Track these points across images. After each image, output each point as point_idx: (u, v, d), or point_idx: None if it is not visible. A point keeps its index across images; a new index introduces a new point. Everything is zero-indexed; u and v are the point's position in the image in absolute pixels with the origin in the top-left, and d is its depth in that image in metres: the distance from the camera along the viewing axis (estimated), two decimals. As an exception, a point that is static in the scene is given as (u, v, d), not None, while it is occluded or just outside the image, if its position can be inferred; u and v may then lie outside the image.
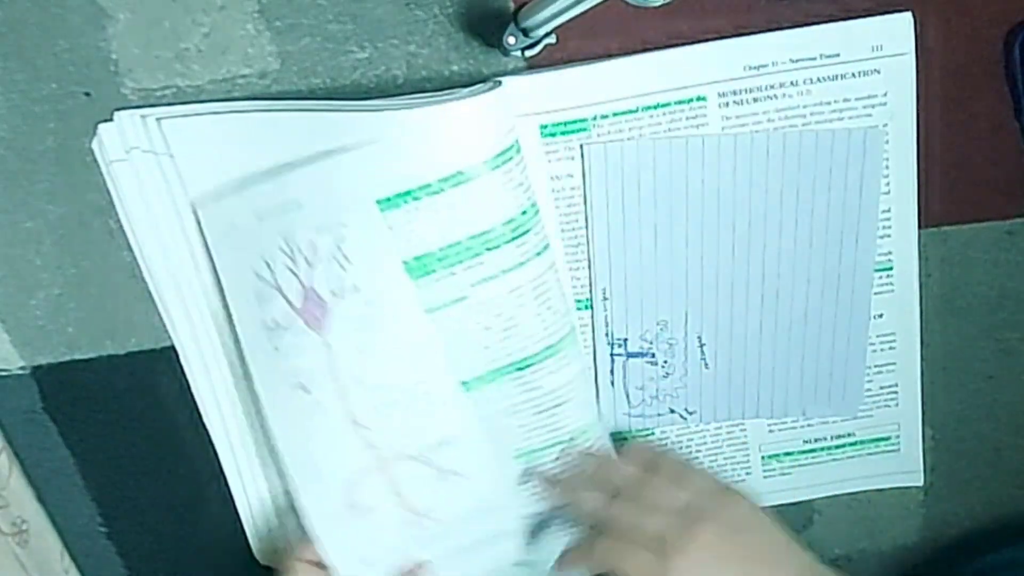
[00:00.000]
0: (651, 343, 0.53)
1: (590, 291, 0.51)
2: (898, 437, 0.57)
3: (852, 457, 0.58)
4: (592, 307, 0.52)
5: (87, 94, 0.48)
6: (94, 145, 0.49)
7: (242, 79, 0.48)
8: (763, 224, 0.50)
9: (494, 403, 0.50)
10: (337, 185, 0.45)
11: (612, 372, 0.53)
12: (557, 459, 0.52)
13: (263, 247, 0.47)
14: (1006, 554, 0.60)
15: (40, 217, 0.51)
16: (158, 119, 0.47)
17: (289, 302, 0.48)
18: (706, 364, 0.53)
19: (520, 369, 0.49)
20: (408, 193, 0.45)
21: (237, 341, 0.51)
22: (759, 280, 0.51)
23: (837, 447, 0.57)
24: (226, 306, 0.50)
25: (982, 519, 0.61)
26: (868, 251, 0.51)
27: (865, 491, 0.59)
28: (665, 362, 0.53)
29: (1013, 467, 0.60)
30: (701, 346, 0.53)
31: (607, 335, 0.52)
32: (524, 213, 0.47)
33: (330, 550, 0.52)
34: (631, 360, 0.53)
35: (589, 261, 0.50)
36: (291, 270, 0.47)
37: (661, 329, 0.52)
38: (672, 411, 0.55)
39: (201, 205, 0.48)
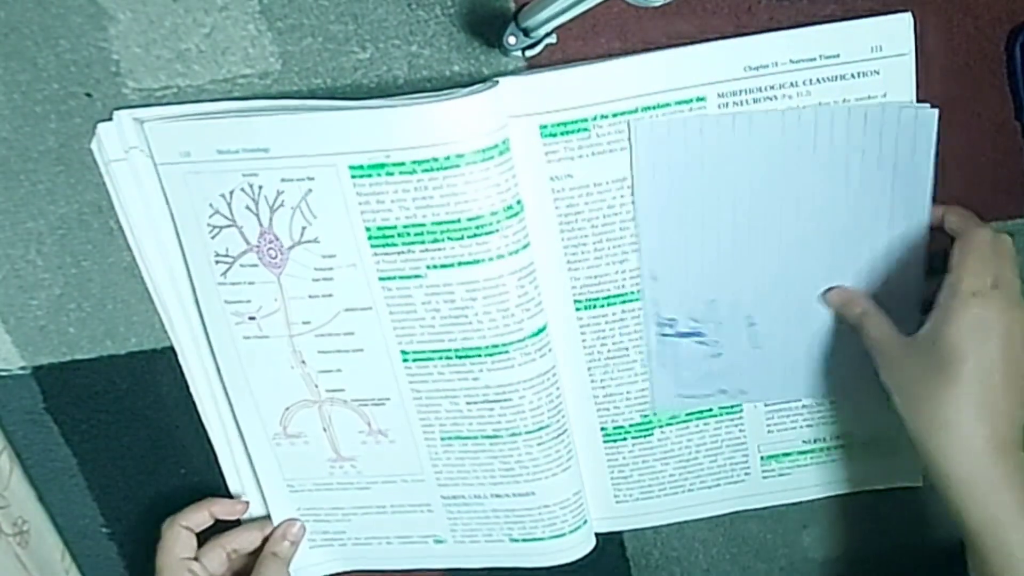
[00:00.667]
0: (700, 322, 0.52)
1: (639, 271, 0.51)
2: (898, 437, 0.57)
3: (852, 457, 0.57)
4: (641, 289, 0.52)
5: (88, 94, 0.48)
6: (93, 145, 0.49)
7: (243, 79, 0.48)
8: (813, 203, 0.49)
9: (430, 381, 0.52)
10: (309, 140, 0.46)
11: (662, 353, 0.53)
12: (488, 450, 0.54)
13: (221, 181, 0.48)
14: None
15: (41, 217, 0.51)
16: (142, 122, 0.47)
17: (244, 237, 0.49)
18: (757, 343, 0.53)
19: (460, 358, 0.51)
20: (382, 166, 0.46)
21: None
22: (810, 259, 0.51)
23: (836, 447, 0.57)
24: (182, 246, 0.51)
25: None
26: (919, 231, 0.50)
27: (864, 491, 0.59)
28: (716, 341, 0.53)
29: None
30: (751, 325, 0.52)
31: (656, 315, 0.52)
32: (494, 214, 0.47)
33: (260, 472, 0.56)
34: (681, 340, 0.53)
35: (637, 241, 0.50)
36: (250, 209, 0.48)
37: (711, 308, 0.52)
38: (723, 391, 0.55)
39: (151, 125, 0.48)
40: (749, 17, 0.47)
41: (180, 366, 0.54)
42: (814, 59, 0.47)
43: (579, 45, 0.47)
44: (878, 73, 0.47)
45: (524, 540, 0.57)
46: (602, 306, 0.52)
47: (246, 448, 0.56)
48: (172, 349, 0.53)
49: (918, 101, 0.48)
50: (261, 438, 0.55)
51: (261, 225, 0.49)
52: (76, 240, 0.52)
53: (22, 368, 0.55)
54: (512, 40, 0.45)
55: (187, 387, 0.54)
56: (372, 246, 0.48)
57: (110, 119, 0.48)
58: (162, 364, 0.54)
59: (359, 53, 0.48)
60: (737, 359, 0.54)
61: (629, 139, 0.47)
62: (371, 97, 0.47)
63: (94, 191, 0.50)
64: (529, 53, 0.46)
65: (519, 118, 0.47)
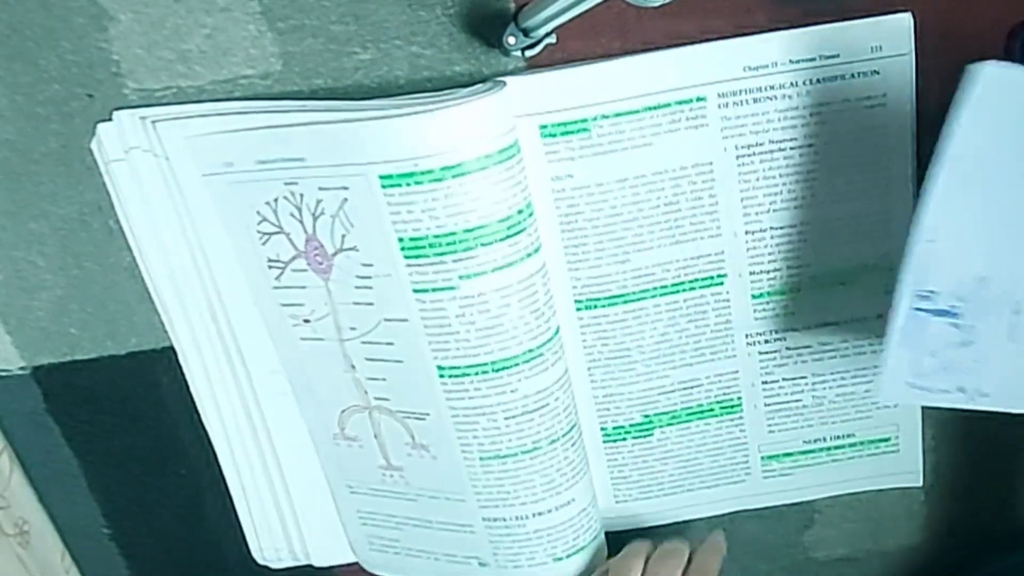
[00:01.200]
0: (964, 302, 0.46)
1: (914, 229, 0.45)
2: (898, 437, 0.57)
3: (852, 457, 0.57)
4: (908, 250, 0.45)
5: (90, 95, 0.48)
6: (93, 145, 0.49)
7: (244, 80, 0.48)
8: None
9: (466, 398, 0.51)
10: (341, 150, 0.46)
11: (909, 330, 0.46)
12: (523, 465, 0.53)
13: (264, 190, 0.48)
14: (1015, 560, 0.60)
15: (43, 218, 0.51)
16: (153, 121, 0.48)
17: (292, 243, 0.49)
18: (1016, 337, 0.46)
19: (497, 371, 0.50)
20: (411, 175, 0.45)
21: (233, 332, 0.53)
22: None
23: (837, 447, 0.57)
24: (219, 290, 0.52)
25: (984, 520, 0.61)
26: None
27: (866, 491, 0.59)
28: (971, 327, 0.46)
29: (1014, 467, 0.60)
30: (1016, 313, 0.46)
31: (916, 285, 0.45)
32: (520, 212, 0.47)
33: (326, 470, 0.57)
34: (933, 319, 0.46)
35: (922, 192, 0.44)
36: (295, 216, 0.49)
37: (979, 287, 0.46)
38: (961, 390, 0.48)
39: (194, 139, 0.48)
40: (749, 17, 0.47)
41: (180, 366, 0.54)
42: (814, 59, 0.47)
43: (579, 45, 0.48)
44: (878, 73, 0.47)
45: (568, 556, 0.56)
46: (603, 306, 0.52)
47: (314, 446, 0.56)
48: (172, 349, 0.54)
49: (917, 102, 0.48)
50: (324, 437, 0.56)
51: (306, 232, 0.49)
52: (77, 241, 0.52)
53: (22, 368, 0.55)
54: (512, 40, 0.45)
55: (187, 387, 0.54)
56: (405, 257, 0.47)
57: (109, 119, 0.48)
58: (162, 364, 0.54)
59: (360, 54, 0.48)
60: (988, 352, 0.47)
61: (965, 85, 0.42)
62: (372, 97, 0.48)
63: (95, 192, 0.50)
64: (529, 53, 0.46)
65: (521, 118, 0.47)
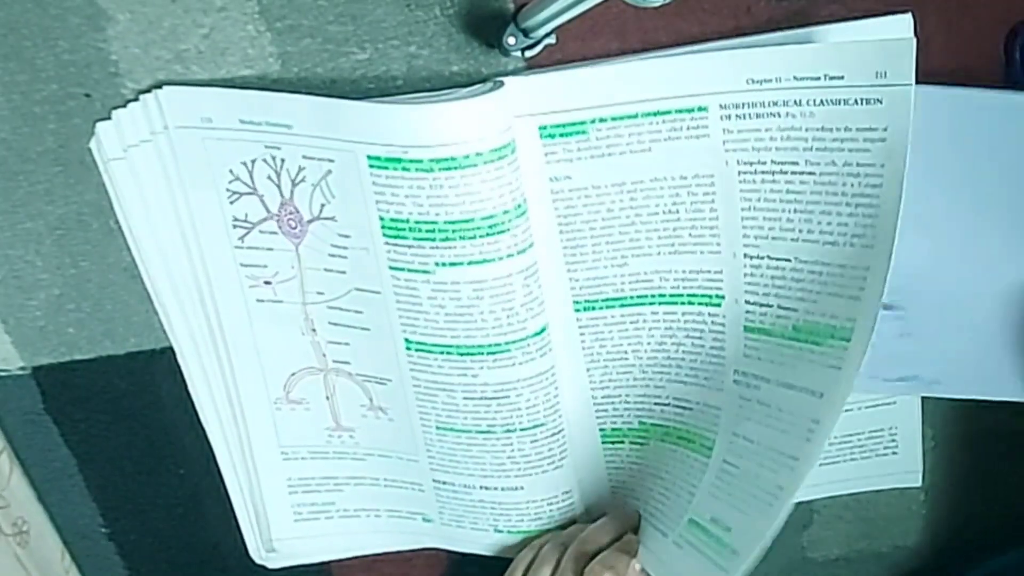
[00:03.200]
0: (902, 295, 0.49)
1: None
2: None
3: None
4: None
5: (87, 95, 0.48)
6: (92, 144, 0.49)
7: (242, 80, 0.48)
8: None
9: (429, 372, 0.52)
10: (331, 124, 0.46)
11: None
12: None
13: (243, 150, 0.48)
14: (1013, 557, 0.60)
15: (40, 218, 0.51)
16: (156, 90, 0.48)
17: (265, 206, 0.50)
18: (952, 328, 0.49)
19: (460, 355, 0.51)
20: (399, 161, 0.46)
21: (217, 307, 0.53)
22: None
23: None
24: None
25: (984, 520, 0.61)
26: None
27: (865, 491, 0.59)
28: (912, 318, 0.49)
29: (1014, 467, 0.60)
30: (951, 305, 0.48)
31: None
32: (505, 212, 0.47)
33: (255, 438, 0.56)
34: (882, 313, 0.47)
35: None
36: (272, 180, 0.49)
37: (915, 282, 0.48)
38: (915, 378, 0.51)
39: (169, 90, 0.48)
40: (749, 17, 0.47)
41: (179, 367, 0.54)
42: (818, 78, 0.45)
43: (579, 45, 0.47)
44: (880, 102, 0.45)
45: (508, 532, 0.57)
46: (600, 308, 0.52)
47: (243, 413, 0.56)
48: (171, 349, 0.53)
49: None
50: (262, 402, 0.56)
51: (283, 196, 0.49)
52: (75, 240, 0.52)
53: (21, 368, 0.55)
54: (511, 40, 0.45)
55: (186, 387, 0.54)
56: (384, 236, 0.48)
57: (108, 118, 0.48)
58: (161, 364, 0.54)
59: (358, 54, 0.48)
60: (930, 342, 0.49)
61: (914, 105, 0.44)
62: (371, 98, 0.47)
63: (93, 192, 0.50)
64: (528, 54, 0.46)
65: (519, 119, 0.47)
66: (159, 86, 0.48)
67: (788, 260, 0.49)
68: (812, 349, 0.49)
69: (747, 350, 0.51)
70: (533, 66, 0.48)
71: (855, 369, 0.46)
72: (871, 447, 0.57)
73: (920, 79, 0.47)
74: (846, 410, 0.56)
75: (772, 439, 0.50)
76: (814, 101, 0.46)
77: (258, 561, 0.60)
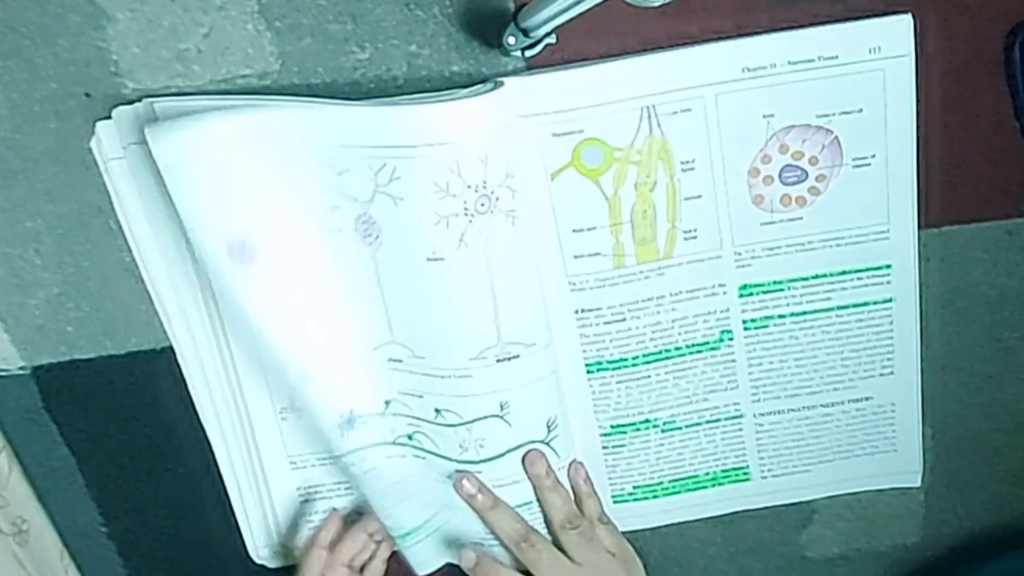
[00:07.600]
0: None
1: None
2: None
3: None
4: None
5: (87, 94, 0.48)
6: (92, 143, 0.49)
7: (242, 79, 0.48)
8: None
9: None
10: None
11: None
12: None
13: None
14: (1012, 562, 0.60)
15: (40, 217, 0.51)
16: (153, 104, 0.47)
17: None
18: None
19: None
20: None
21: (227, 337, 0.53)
22: None
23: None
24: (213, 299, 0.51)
25: (982, 520, 0.62)
26: None
27: (864, 491, 0.59)
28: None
29: (1013, 467, 0.60)
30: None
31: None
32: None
33: (263, 450, 0.56)
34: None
35: None
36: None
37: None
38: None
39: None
40: (749, 17, 0.47)
41: (179, 366, 0.54)
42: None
43: (579, 45, 0.47)
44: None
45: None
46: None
47: (251, 425, 0.55)
48: (171, 349, 0.53)
49: (918, 101, 0.48)
50: (268, 412, 0.55)
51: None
52: (75, 240, 0.52)
53: (21, 368, 0.55)
54: (512, 40, 0.45)
55: (186, 387, 0.54)
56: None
57: (108, 118, 0.48)
58: (161, 364, 0.54)
59: (358, 53, 0.48)
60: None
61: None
62: (370, 97, 0.47)
63: (93, 191, 0.50)
64: (529, 53, 0.46)
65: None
66: (156, 95, 0.47)
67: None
68: None
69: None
70: (533, 66, 0.48)
71: None
72: (871, 447, 0.57)
73: (920, 80, 0.48)
74: (846, 410, 0.56)
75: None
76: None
77: (258, 561, 0.60)
